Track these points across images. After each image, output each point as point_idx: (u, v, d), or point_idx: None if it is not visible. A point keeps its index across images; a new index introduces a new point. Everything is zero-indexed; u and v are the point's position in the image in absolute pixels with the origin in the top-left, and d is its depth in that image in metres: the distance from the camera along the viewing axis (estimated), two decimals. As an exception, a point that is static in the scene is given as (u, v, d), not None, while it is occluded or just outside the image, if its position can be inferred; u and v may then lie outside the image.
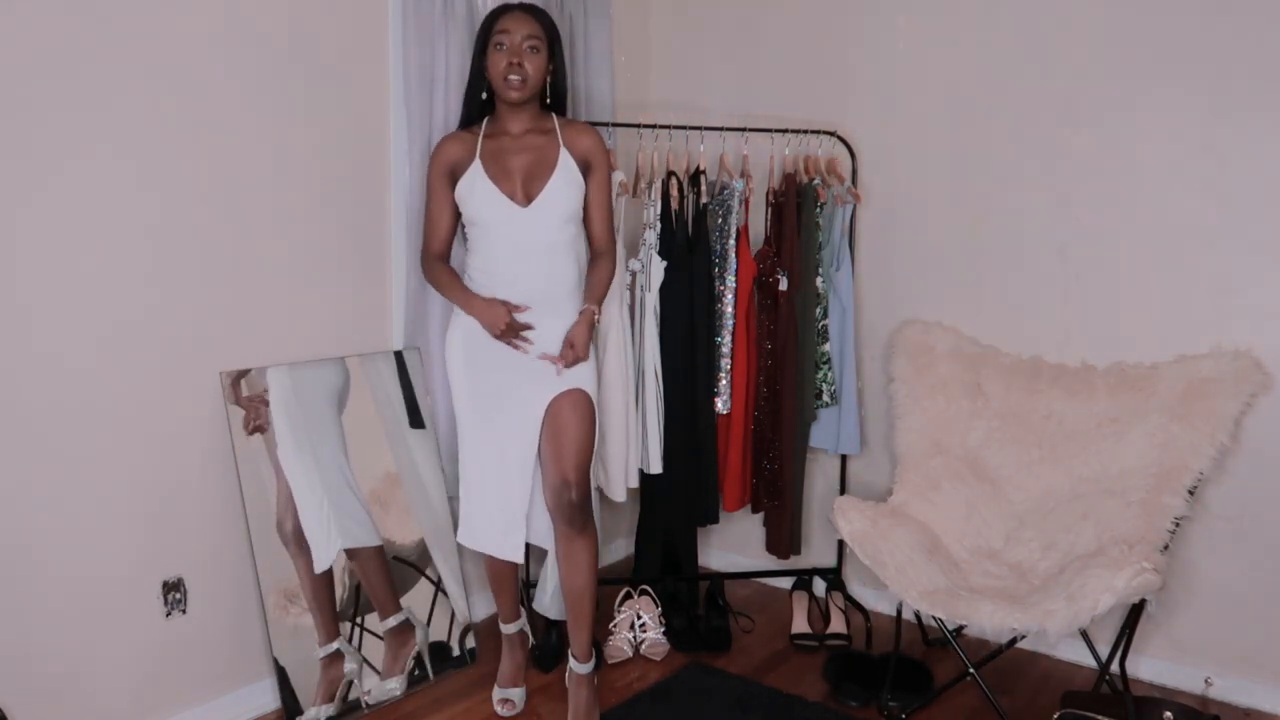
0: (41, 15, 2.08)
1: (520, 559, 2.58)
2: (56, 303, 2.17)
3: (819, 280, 3.11)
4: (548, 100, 2.52)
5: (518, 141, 2.49)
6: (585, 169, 2.52)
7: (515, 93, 2.41)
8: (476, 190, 2.45)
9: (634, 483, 3.07)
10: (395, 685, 2.70)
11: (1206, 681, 2.77)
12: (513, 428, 2.51)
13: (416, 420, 2.85)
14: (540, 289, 2.48)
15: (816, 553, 3.45)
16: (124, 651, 2.34)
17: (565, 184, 2.47)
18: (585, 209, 2.54)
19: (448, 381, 2.62)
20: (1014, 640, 2.56)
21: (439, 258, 2.55)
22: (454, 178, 2.50)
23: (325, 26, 2.62)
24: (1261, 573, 2.68)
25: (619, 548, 3.74)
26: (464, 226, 2.57)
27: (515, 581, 2.76)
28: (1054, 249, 2.92)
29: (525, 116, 2.49)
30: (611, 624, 3.09)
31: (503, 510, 2.55)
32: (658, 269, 2.97)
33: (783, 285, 3.07)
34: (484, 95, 2.49)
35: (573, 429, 2.49)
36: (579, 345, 2.46)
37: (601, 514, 3.21)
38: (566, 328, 2.49)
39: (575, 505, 2.50)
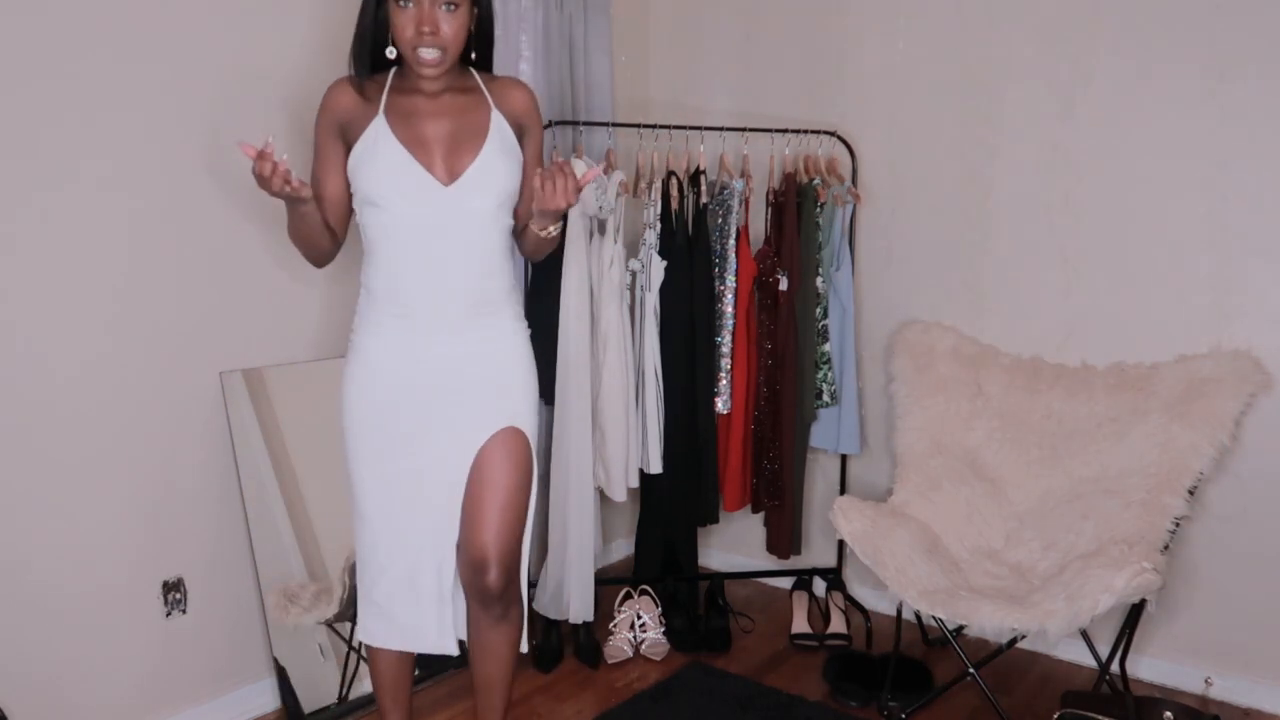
0: (48, 12, 2.08)
1: (455, 649, 2.05)
2: (56, 303, 2.17)
3: (819, 280, 3.11)
4: (472, 57, 1.95)
5: (434, 102, 1.92)
6: (519, 135, 2.00)
7: (431, 69, 1.85)
8: (380, 155, 1.86)
9: (634, 482, 3.07)
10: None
11: (1206, 681, 2.77)
12: (430, 479, 1.97)
13: (416, 420, 2.85)
14: (464, 296, 1.93)
15: (816, 553, 3.45)
16: (124, 651, 2.34)
17: (500, 155, 1.92)
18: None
19: (341, 423, 2.01)
20: (1014, 640, 2.56)
21: None
22: (347, 139, 1.92)
23: (324, 19, 2.62)
24: (1261, 573, 2.68)
25: (619, 548, 3.74)
26: (358, 219, 1.98)
27: (409, 691, 2.20)
28: (1054, 249, 2.92)
29: (441, 77, 1.93)
30: (611, 624, 3.09)
31: (420, 590, 2.00)
32: (658, 269, 2.97)
33: (783, 285, 3.07)
34: (389, 54, 1.89)
35: (501, 483, 1.94)
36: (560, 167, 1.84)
37: (601, 514, 3.21)
38: (500, 349, 1.99)
39: (494, 591, 1.94)
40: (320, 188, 1.95)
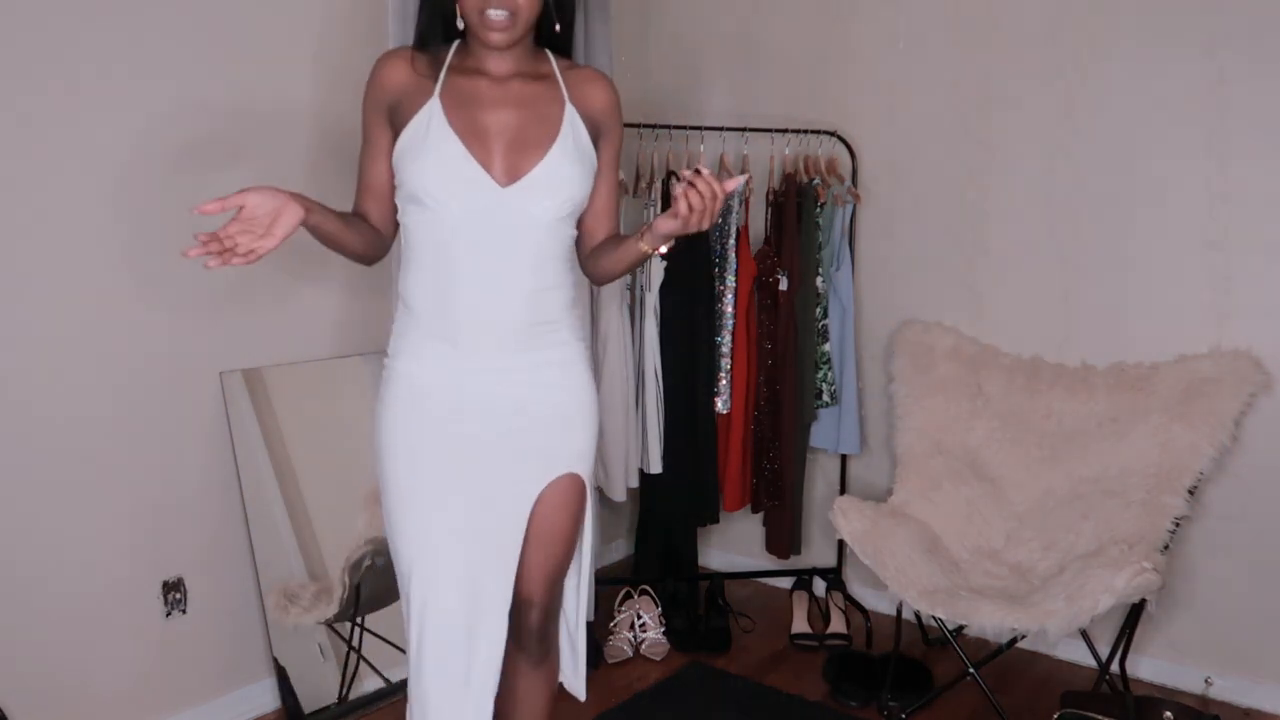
0: (63, 13, 2.08)
1: None
2: (56, 303, 2.17)
3: (819, 280, 3.11)
4: (555, 27, 1.71)
5: (500, 88, 1.67)
6: (594, 137, 1.74)
7: (499, 35, 1.60)
8: (430, 145, 1.62)
9: (634, 482, 3.07)
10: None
11: (1206, 681, 2.77)
12: (481, 533, 1.71)
13: (416, 420, 2.85)
14: (520, 314, 1.68)
15: (816, 553, 3.45)
16: (124, 651, 2.34)
17: (571, 158, 1.68)
18: (590, 195, 1.76)
19: (379, 466, 1.75)
20: (1014, 640, 2.56)
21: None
22: (395, 122, 1.69)
23: (324, 15, 2.61)
24: (1262, 573, 2.68)
25: (619, 548, 3.74)
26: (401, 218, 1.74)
27: None
28: (1054, 249, 2.92)
29: (511, 54, 1.69)
30: (611, 624, 3.09)
31: (468, 669, 1.72)
32: (658, 269, 2.97)
33: (783, 285, 3.07)
34: (457, 25, 1.67)
35: (558, 533, 1.77)
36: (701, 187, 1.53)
37: (601, 514, 3.21)
38: (561, 378, 1.75)
39: (535, 632, 1.82)
40: (365, 177, 1.74)
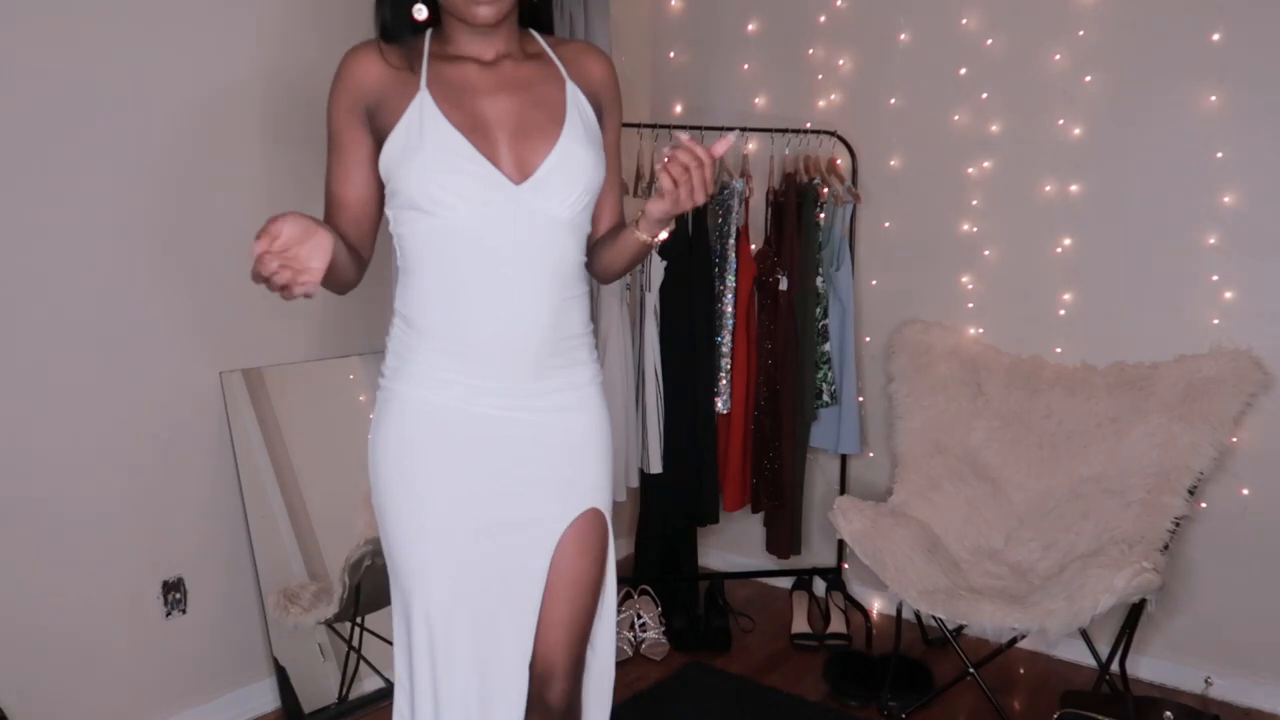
0: (70, 10, 2.08)
1: None
2: (56, 303, 2.17)
3: (819, 280, 3.11)
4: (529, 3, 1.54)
5: (490, 73, 1.48)
6: (597, 116, 1.57)
7: (487, 8, 1.41)
8: (428, 143, 1.41)
9: (634, 482, 3.07)
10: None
11: (1206, 681, 2.77)
12: (503, 580, 1.52)
13: (416, 420, 2.85)
14: (539, 329, 1.49)
15: (816, 553, 3.45)
16: (124, 651, 2.34)
17: (583, 142, 1.49)
18: None
19: (377, 500, 1.54)
20: (1014, 640, 2.57)
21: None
22: (376, 124, 1.47)
23: (322, 11, 2.61)
24: (1261, 573, 2.68)
25: (619, 548, 3.73)
26: (390, 226, 1.54)
27: None
28: (1054, 248, 2.92)
29: (499, 33, 1.49)
30: (611, 624, 3.09)
31: None
32: (658, 269, 2.97)
33: (783, 285, 3.07)
34: (423, 11, 1.48)
35: (582, 581, 1.55)
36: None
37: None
38: (581, 402, 1.58)
39: (558, 708, 1.57)
40: (340, 193, 1.49)
